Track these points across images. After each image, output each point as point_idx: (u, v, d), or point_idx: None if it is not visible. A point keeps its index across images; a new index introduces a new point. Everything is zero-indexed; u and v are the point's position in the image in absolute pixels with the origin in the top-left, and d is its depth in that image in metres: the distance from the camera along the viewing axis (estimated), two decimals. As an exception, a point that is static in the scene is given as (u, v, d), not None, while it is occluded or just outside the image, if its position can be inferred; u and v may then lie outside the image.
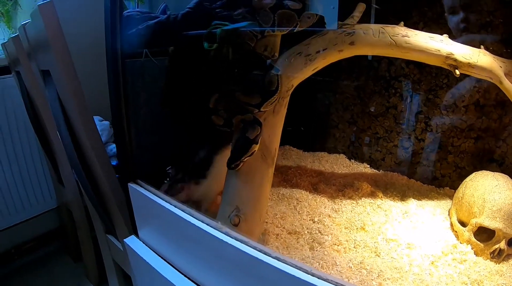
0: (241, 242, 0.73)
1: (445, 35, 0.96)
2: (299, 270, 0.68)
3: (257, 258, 0.70)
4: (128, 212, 1.07)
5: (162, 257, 0.98)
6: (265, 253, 0.71)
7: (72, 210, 1.75)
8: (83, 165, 1.17)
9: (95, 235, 1.61)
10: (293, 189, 1.08)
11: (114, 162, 1.52)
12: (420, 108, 1.13)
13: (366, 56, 1.18)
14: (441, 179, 1.15)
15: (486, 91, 1.09)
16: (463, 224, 1.02)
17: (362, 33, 0.90)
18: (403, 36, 0.93)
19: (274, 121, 0.84)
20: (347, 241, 0.92)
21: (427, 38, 0.95)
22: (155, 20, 1.30)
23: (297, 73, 0.86)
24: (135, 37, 1.28)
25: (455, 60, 0.95)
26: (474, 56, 0.97)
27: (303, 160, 1.29)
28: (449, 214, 1.08)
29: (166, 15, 1.32)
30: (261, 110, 0.80)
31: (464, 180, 1.07)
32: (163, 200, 0.87)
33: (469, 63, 0.96)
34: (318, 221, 0.96)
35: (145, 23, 1.31)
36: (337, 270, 0.83)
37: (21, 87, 1.65)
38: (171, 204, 0.86)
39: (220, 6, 1.21)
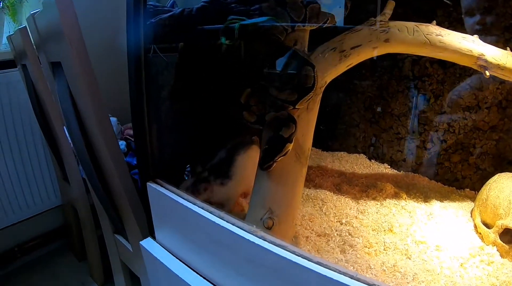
0: (279, 247, 0.68)
1: (475, 35, 0.92)
2: (344, 275, 0.63)
3: (297, 263, 0.65)
4: (145, 213, 1.00)
5: (182, 261, 0.92)
6: (306, 258, 0.65)
7: (78, 208, 1.68)
8: (94, 163, 1.10)
9: (100, 234, 1.54)
10: (317, 190, 1.04)
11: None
12: (444, 109, 1.09)
13: (389, 56, 1.13)
14: (462, 181, 1.12)
15: (508, 93, 1.06)
16: (487, 226, 0.99)
17: (397, 31, 0.86)
18: (437, 35, 0.88)
19: (308, 118, 0.79)
20: (376, 243, 0.88)
21: (460, 38, 0.91)
22: (169, 14, 1.24)
23: (331, 69, 0.81)
24: (148, 30, 1.20)
25: (486, 61, 0.92)
26: (503, 58, 0.94)
27: (323, 159, 1.24)
28: (471, 216, 1.05)
29: (179, 9, 1.25)
30: (296, 107, 0.74)
31: (487, 182, 1.04)
32: (188, 201, 0.81)
33: (498, 64, 0.93)
34: (346, 223, 0.91)
35: (158, 16, 1.24)
36: (371, 273, 0.79)
37: (27, 82, 1.57)
38: (197, 205, 0.80)
39: (236, 1, 1.16)
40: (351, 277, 0.63)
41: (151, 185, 0.93)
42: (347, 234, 0.88)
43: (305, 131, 0.79)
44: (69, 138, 1.52)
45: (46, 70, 1.33)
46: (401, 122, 1.17)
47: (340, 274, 0.64)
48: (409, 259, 0.87)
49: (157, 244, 1.02)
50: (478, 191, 1.12)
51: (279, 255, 0.67)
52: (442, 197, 1.10)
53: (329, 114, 1.25)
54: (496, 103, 1.08)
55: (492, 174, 1.06)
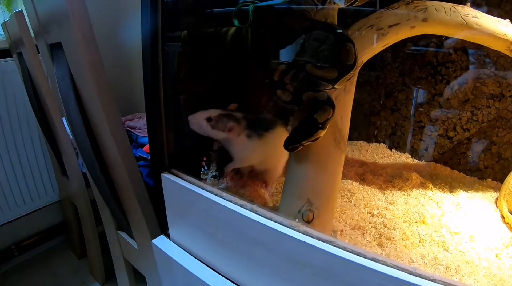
0: (327, 243, 0.59)
1: (507, 20, 0.86)
2: (403, 271, 0.55)
3: (349, 260, 0.56)
4: (155, 208, 0.90)
5: (203, 262, 0.82)
6: (359, 255, 0.57)
7: (77, 204, 1.56)
8: (96, 154, 0.98)
9: (101, 231, 1.43)
10: (342, 180, 0.95)
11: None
12: (467, 96, 1.03)
13: (412, 41, 1.06)
14: (484, 171, 1.07)
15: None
16: (516, 216, 0.92)
17: (434, 10, 0.78)
18: (473, 17, 0.82)
19: (346, 100, 0.71)
20: (412, 235, 0.82)
21: (495, 21, 0.85)
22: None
23: (367, 48, 0.73)
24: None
25: (519, 46, 0.84)
26: (534, 43, 0.86)
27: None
28: (497, 206, 0.99)
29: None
30: (335, 87, 0.66)
31: (512, 172, 0.98)
32: (213, 193, 0.71)
33: (530, 50, 0.86)
34: (378, 215, 0.85)
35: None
36: (415, 267, 0.71)
37: (22, 70, 1.44)
38: (224, 198, 0.71)
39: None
40: (411, 273, 0.56)
41: (166, 176, 0.83)
42: (381, 226, 0.81)
43: (343, 114, 0.71)
44: (68, 129, 1.39)
45: (45, 55, 1.20)
46: (423, 109, 1.10)
47: (399, 270, 0.56)
48: (447, 251, 0.81)
49: (172, 242, 0.92)
50: (499, 182, 1.07)
51: (328, 252, 0.59)
52: (466, 187, 1.04)
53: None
54: (521, 91, 1.02)
55: (515, 164, 1.01)
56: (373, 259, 0.56)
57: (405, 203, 0.92)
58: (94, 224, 1.53)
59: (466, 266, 0.77)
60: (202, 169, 0.96)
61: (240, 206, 0.70)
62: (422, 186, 0.99)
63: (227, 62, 1.15)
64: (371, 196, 0.92)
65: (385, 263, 0.56)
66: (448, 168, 1.10)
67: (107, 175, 1.04)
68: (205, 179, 0.96)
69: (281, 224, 0.64)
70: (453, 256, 0.79)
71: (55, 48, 1.06)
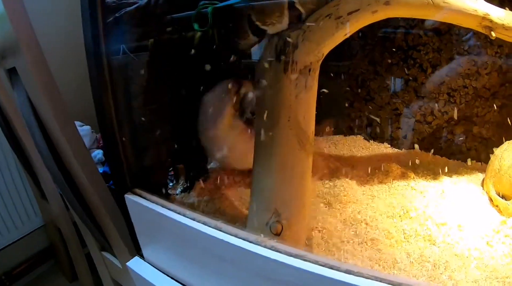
0: (296, 257, 0.51)
1: (475, -6, 0.77)
2: (382, 282, 0.47)
3: (323, 276, 0.48)
4: (128, 228, 0.81)
5: (179, 282, 0.73)
6: (332, 268, 0.48)
7: (60, 227, 1.47)
8: (65, 177, 0.89)
9: (88, 252, 1.33)
10: (318, 180, 0.87)
11: (101, 170, 1.25)
12: (442, 79, 0.95)
13: (379, 26, 0.98)
14: (467, 153, 0.99)
15: (508, 57, 0.92)
16: (504, 197, 0.86)
17: (397, -9, 0.69)
18: (439, -5, 0.72)
19: (307, 98, 0.63)
20: (396, 232, 0.73)
21: (462, -3, 0.75)
22: (135, 6, 1.04)
23: (327, 39, 0.64)
24: (114, 28, 1.00)
25: (491, 21, 0.78)
26: (507, 18, 0.79)
27: (317, 145, 1.07)
28: (484, 189, 0.92)
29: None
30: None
31: (496, 152, 0.92)
32: (176, 212, 0.63)
33: (503, 25, 0.79)
34: (359, 213, 0.76)
35: (123, 10, 1.04)
36: (399, 268, 0.64)
37: (-13, 93, 1.32)
38: (187, 216, 0.62)
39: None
40: (390, 282, 0.47)
41: (129, 198, 0.74)
42: (363, 225, 0.72)
43: (306, 113, 0.63)
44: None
45: (4, 79, 1.11)
46: (398, 97, 1.02)
47: (376, 281, 0.48)
48: (434, 245, 0.74)
49: (147, 263, 0.83)
50: (484, 162, 1.00)
51: (299, 268, 0.49)
52: (450, 172, 0.96)
53: (319, 95, 1.07)
54: (496, 68, 0.94)
55: (498, 143, 0.93)
56: (347, 271, 0.48)
57: (388, 197, 0.84)
58: (80, 246, 1.44)
59: (456, 260, 0.69)
60: (170, 184, 0.88)
61: (204, 224, 0.61)
62: (404, 176, 0.91)
63: (196, 67, 1.06)
64: (350, 194, 0.84)
65: (360, 275, 0.48)
66: (430, 154, 1.02)
67: (80, 198, 0.95)
68: (174, 194, 0.88)
69: (247, 241, 0.55)
70: (441, 250, 0.71)
71: (13, 73, 0.97)
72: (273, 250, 0.53)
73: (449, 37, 0.96)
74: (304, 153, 0.59)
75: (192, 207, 0.83)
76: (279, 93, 0.61)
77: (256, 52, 1.10)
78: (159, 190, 0.82)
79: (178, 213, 0.66)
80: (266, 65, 0.66)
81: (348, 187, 0.84)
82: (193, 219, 0.63)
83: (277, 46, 0.66)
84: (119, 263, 1.08)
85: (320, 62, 0.65)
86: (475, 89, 0.96)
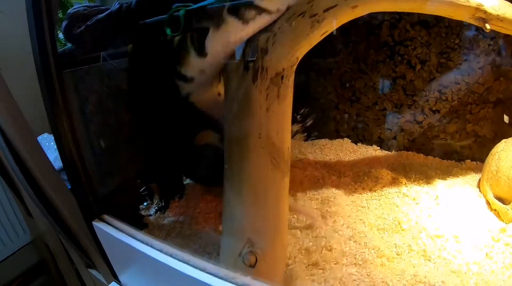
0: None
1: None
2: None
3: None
4: (101, 253, 0.73)
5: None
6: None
7: (48, 242, 1.38)
8: (38, 196, 0.82)
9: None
10: (301, 191, 0.79)
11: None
12: (433, 75, 0.86)
13: (363, 20, 0.89)
14: (461, 152, 0.91)
15: (502, 49, 0.84)
16: (503, 201, 0.78)
17: (378, -17, 0.60)
18: (426, -15, 0.63)
19: (281, 110, 0.55)
20: (388, 247, 0.65)
21: (453, -14, 0.67)
22: (105, 13, 0.95)
23: (302, 41, 0.56)
24: (85, 37, 0.91)
25: (485, 12, 0.70)
26: (502, 8, 0.71)
27: (301, 152, 0.99)
28: (480, 191, 0.84)
29: (117, 5, 0.96)
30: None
31: (492, 151, 0.85)
32: (143, 242, 0.55)
33: (498, 15, 0.70)
34: (348, 228, 0.67)
35: (95, 18, 0.95)
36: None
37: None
38: (154, 248, 0.54)
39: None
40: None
41: (97, 225, 0.66)
42: (352, 243, 0.64)
43: (279, 127, 0.54)
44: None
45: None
46: (386, 96, 0.93)
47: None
48: (429, 261, 0.66)
49: (124, 288, 0.75)
50: (479, 162, 0.92)
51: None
52: (444, 174, 0.89)
53: (301, 98, 0.98)
54: (490, 61, 0.86)
55: (493, 141, 0.85)
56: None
57: (378, 207, 0.77)
58: (69, 262, 1.36)
59: (453, 278, 0.62)
60: (144, 204, 0.79)
61: (170, 256, 0.53)
62: (395, 182, 0.83)
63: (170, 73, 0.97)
64: (337, 205, 0.76)
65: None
66: (422, 155, 0.94)
67: (57, 220, 0.88)
68: (148, 216, 0.79)
69: (216, 277, 0.47)
70: (436, 268, 0.64)
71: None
72: (244, 287, 0.45)
73: (438, 30, 0.87)
74: (279, 173, 0.51)
75: (166, 230, 0.74)
76: (247, 107, 0.52)
77: (238, 52, 1.01)
78: (130, 213, 0.74)
79: (146, 244, 0.58)
80: (232, 74, 0.57)
81: (336, 197, 0.76)
82: (160, 251, 0.55)
83: (244, 52, 0.58)
84: (105, 280, 1.02)
85: (294, 67, 0.57)
86: (468, 84, 0.88)
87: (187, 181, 0.85)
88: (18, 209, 1.50)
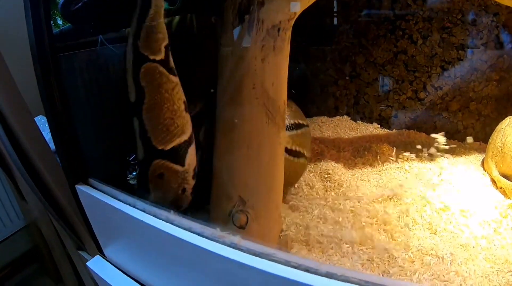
0: (262, 257, 0.36)
1: None
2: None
3: (296, 281, 0.33)
4: (85, 221, 0.67)
5: (140, 282, 0.59)
6: (309, 270, 0.34)
7: (41, 227, 1.31)
8: (31, 174, 0.76)
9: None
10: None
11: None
12: (434, 50, 0.80)
13: (364, -5, 0.83)
14: (464, 131, 0.85)
15: (505, 26, 0.78)
16: (508, 178, 0.72)
17: None
18: None
19: (277, 62, 0.48)
20: (391, 221, 0.57)
21: None
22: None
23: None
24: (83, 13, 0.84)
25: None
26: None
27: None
28: (484, 170, 0.78)
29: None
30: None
31: (497, 128, 0.79)
32: (126, 203, 0.48)
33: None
34: (348, 199, 0.61)
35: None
36: (397, 265, 0.49)
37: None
38: (137, 208, 0.47)
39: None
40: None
41: (81, 188, 0.59)
42: (351, 215, 0.58)
43: (275, 79, 0.48)
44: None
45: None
46: (387, 71, 0.87)
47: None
48: (435, 234, 0.59)
49: (108, 262, 0.68)
50: (483, 142, 0.86)
51: (263, 271, 0.35)
52: (446, 152, 0.82)
53: (299, 73, 0.92)
54: (493, 38, 0.80)
55: (496, 120, 0.79)
56: (328, 275, 0.34)
57: (379, 181, 0.70)
58: (62, 247, 1.29)
59: (461, 251, 0.56)
60: (132, 172, 0.72)
61: (154, 216, 0.46)
62: (396, 158, 0.76)
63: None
64: (336, 178, 0.69)
65: (345, 279, 0.33)
66: (423, 134, 0.87)
67: (48, 197, 0.82)
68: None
69: (202, 237, 0.40)
70: (443, 241, 0.57)
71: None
72: (234, 248, 0.38)
73: (440, 5, 0.81)
74: (274, 127, 0.45)
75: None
76: (242, 57, 0.46)
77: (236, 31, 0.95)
78: (117, 179, 0.68)
79: (129, 204, 0.51)
80: (228, 26, 0.51)
81: (335, 170, 0.69)
82: (143, 210, 0.48)
83: (240, 4, 0.52)
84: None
85: (292, 22, 0.51)
86: (471, 61, 0.82)
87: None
88: (12, 193, 1.43)
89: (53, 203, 0.82)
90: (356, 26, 0.88)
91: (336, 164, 0.71)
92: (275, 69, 0.47)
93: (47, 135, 0.77)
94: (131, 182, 0.72)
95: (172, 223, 0.44)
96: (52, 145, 0.74)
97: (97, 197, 0.57)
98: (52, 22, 0.64)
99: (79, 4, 0.91)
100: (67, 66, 0.70)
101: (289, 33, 0.52)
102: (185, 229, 0.42)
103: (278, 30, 0.50)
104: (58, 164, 0.73)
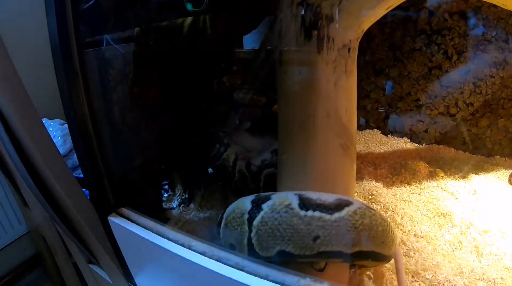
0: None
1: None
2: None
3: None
4: (115, 252, 0.63)
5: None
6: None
7: (45, 235, 1.27)
8: (39, 185, 0.70)
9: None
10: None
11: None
12: (468, 67, 0.81)
13: (401, 7, 0.82)
14: (491, 148, 0.87)
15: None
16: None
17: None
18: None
19: (349, 85, 0.47)
20: (442, 243, 0.58)
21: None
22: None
23: (369, 11, 0.48)
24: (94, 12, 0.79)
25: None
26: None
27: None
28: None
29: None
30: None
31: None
32: (170, 239, 0.45)
33: None
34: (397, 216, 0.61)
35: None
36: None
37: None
38: (184, 246, 0.45)
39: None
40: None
41: (113, 220, 0.56)
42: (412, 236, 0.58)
43: (348, 106, 0.46)
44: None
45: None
46: (420, 86, 0.88)
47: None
48: (482, 257, 0.59)
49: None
50: (508, 158, 0.88)
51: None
52: (476, 169, 0.84)
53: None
54: (524, 56, 0.81)
55: (524, 138, 0.80)
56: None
57: (420, 201, 0.71)
58: (67, 255, 1.25)
59: (509, 274, 0.57)
60: (165, 194, 0.69)
61: (202, 254, 0.44)
62: (432, 175, 0.78)
63: (186, 58, 0.87)
64: (381, 200, 0.69)
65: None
66: (453, 149, 0.89)
67: (58, 210, 0.76)
68: (170, 209, 0.69)
69: (276, 283, 0.38)
70: (489, 264, 0.58)
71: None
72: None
73: (476, 21, 0.82)
74: (349, 159, 0.44)
75: (191, 226, 0.65)
76: (313, 80, 0.44)
77: (249, 38, 0.92)
78: (152, 206, 0.64)
79: (167, 238, 0.48)
80: (289, 40, 0.48)
81: (378, 191, 0.70)
82: (182, 245, 0.45)
83: (304, 18, 0.49)
84: (107, 276, 0.91)
85: (358, 41, 0.50)
86: (502, 78, 0.83)
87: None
88: (13, 199, 1.37)
89: (66, 221, 0.77)
90: (391, 38, 0.88)
91: (377, 183, 0.72)
92: (347, 94, 0.45)
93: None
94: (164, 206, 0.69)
95: (243, 270, 0.41)
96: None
97: (132, 230, 0.53)
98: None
99: (91, 2, 0.86)
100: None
101: (356, 53, 0.50)
102: (261, 277, 0.40)
103: (349, 50, 0.48)
104: (73, 180, 0.68)
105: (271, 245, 0.39)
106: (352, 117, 0.46)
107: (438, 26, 0.85)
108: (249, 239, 0.40)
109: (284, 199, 0.38)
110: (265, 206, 0.38)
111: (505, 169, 0.88)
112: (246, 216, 0.40)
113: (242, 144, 0.65)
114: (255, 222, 0.39)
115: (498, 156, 0.89)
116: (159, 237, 0.51)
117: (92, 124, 0.54)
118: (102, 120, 0.56)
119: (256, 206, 0.39)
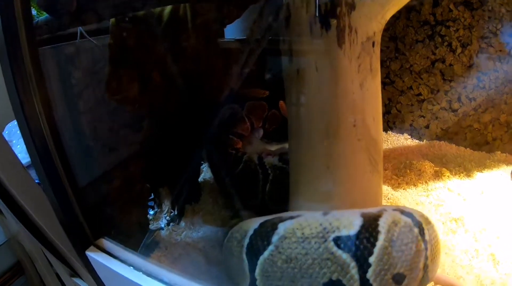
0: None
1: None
2: None
3: None
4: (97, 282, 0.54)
5: None
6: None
7: (23, 242, 1.16)
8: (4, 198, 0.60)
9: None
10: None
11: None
12: (472, 60, 0.76)
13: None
14: (492, 143, 0.84)
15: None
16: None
17: None
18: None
19: (375, 87, 0.39)
20: (458, 253, 0.54)
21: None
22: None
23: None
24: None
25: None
26: None
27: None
28: (513, 180, 0.77)
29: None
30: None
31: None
32: (146, 273, 0.38)
33: None
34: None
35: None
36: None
37: None
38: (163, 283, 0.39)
39: None
40: None
41: (91, 256, 0.46)
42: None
43: (375, 112, 0.39)
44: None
45: None
46: (422, 80, 0.82)
47: None
48: (498, 265, 0.55)
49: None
50: (509, 153, 0.85)
51: None
52: (478, 166, 0.82)
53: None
54: (529, 50, 0.77)
55: (525, 134, 0.77)
56: None
57: (429, 203, 0.66)
58: (48, 264, 1.15)
59: (527, 283, 0.53)
60: (151, 212, 0.60)
61: None
62: (438, 175, 0.73)
63: (168, 50, 0.77)
64: (393, 201, 0.64)
65: None
66: (454, 146, 0.86)
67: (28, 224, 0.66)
68: (158, 229, 0.59)
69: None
70: (507, 274, 0.54)
71: None
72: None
73: (481, 13, 0.77)
74: (377, 175, 0.37)
75: (184, 251, 0.56)
76: (335, 79, 0.36)
77: (233, 27, 0.82)
78: (137, 231, 0.55)
79: (147, 274, 0.40)
80: (302, 29, 0.39)
81: (385, 194, 0.64)
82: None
83: (319, 3, 0.40)
84: (91, 288, 0.82)
85: (381, 32, 0.42)
86: (506, 72, 0.79)
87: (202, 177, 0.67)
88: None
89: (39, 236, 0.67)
90: (393, 29, 0.82)
91: (384, 185, 0.66)
92: (374, 98, 0.38)
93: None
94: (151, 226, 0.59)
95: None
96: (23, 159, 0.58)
97: (110, 267, 0.44)
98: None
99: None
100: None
101: (379, 47, 0.43)
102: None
103: (373, 44, 0.40)
104: (36, 185, 0.58)
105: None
106: (379, 126, 0.39)
107: (442, 17, 0.80)
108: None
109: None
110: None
111: (506, 165, 0.85)
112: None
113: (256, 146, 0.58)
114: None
115: (499, 152, 0.87)
116: (144, 276, 0.42)
117: (53, 140, 0.43)
118: (67, 135, 0.46)
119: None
